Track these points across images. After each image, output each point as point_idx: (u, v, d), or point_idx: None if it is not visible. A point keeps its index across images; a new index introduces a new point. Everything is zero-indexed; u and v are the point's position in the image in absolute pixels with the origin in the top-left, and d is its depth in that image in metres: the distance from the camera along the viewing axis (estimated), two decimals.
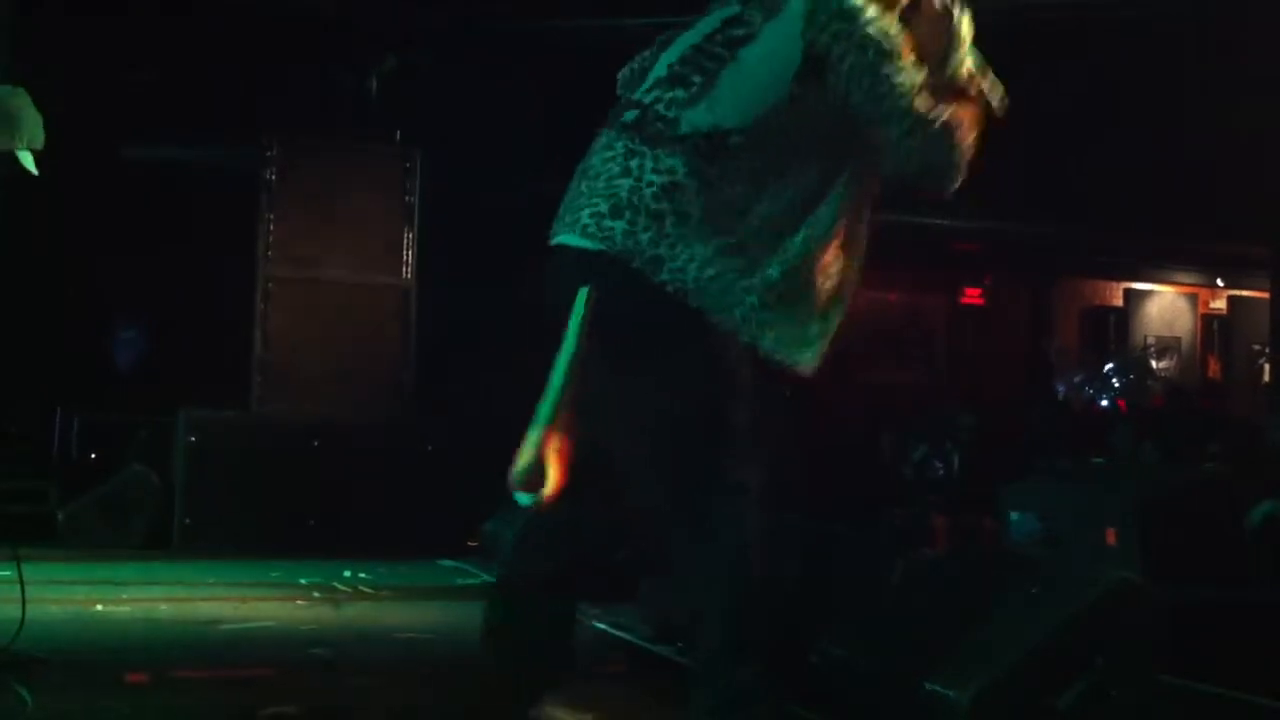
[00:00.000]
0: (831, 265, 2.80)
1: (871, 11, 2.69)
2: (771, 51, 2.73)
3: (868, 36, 2.67)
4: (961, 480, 6.94)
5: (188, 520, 7.06)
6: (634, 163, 2.72)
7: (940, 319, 10.96)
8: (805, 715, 3.48)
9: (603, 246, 2.68)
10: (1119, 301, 12.73)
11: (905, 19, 2.74)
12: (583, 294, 2.66)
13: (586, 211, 2.73)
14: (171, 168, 8.48)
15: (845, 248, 2.82)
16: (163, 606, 5.17)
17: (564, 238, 2.76)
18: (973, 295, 10.89)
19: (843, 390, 8.17)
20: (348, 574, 6.01)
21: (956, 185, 2.78)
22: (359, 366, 7.55)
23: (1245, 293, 12.84)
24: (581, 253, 2.71)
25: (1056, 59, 7.42)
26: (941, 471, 7.06)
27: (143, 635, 4.55)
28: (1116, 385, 10.00)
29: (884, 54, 2.67)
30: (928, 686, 3.27)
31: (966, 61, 2.78)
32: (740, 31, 2.77)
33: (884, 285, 9.92)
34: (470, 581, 6.13)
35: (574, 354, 2.64)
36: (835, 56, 2.68)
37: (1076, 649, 3.24)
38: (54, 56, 6.82)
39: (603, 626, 4.84)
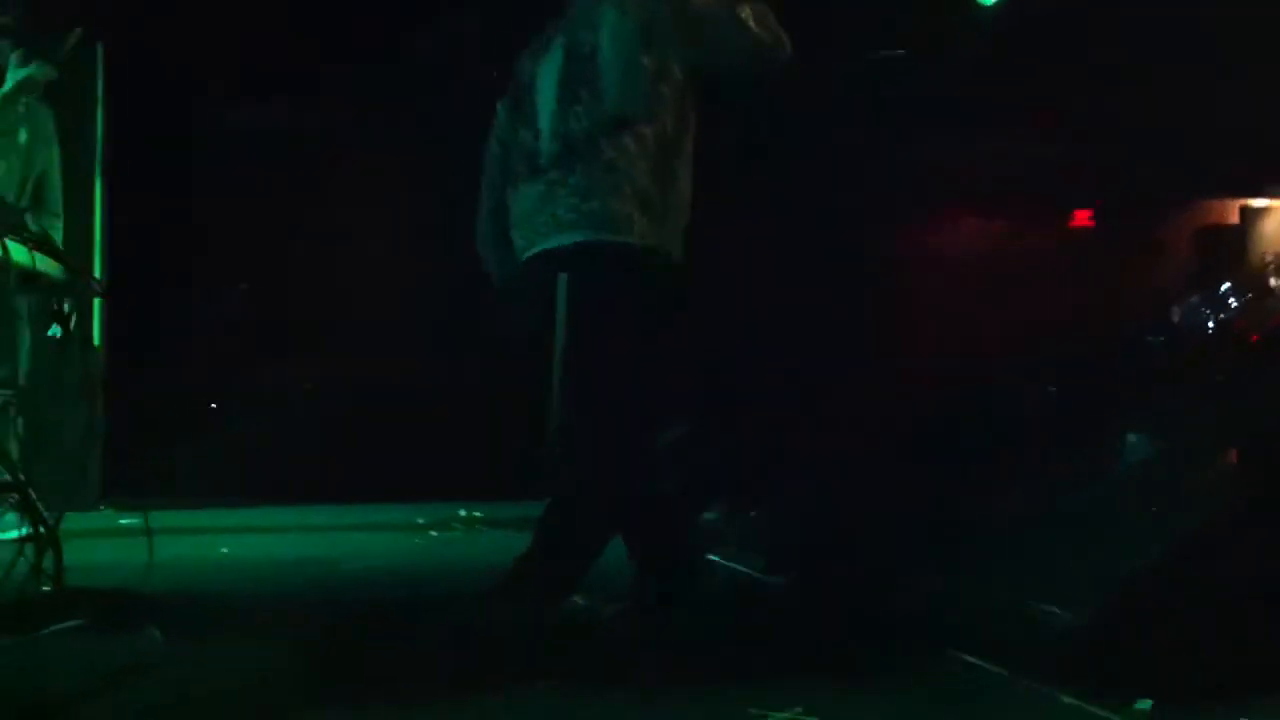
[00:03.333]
0: None
1: None
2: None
3: None
4: (1076, 406, 6.83)
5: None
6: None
7: (1049, 244, 10.72)
8: (922, 645, 3.47)
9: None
10: (1235, 219, 12.38)
11: None
12: None
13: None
14: None
15: None
16: (285, 549, 5.29)
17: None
18: (1082, 218, 10.66)
19: (949, 322, 8.05)
20: (463, 512, 6.10)
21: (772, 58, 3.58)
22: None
23: None
24: None
25: None
26: (1054, 399, 6.95)
27: (268, 577, 4.68)
28: (1234, 305, 9.74)
29: None
30: (1044, 608, 3.25)
31: None
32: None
33: (989, 212, 9.70)
34: None
35: None
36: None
37: (1192, 570, 3.19)
38: None
39: (714, 558, 4.87)
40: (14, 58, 5.12)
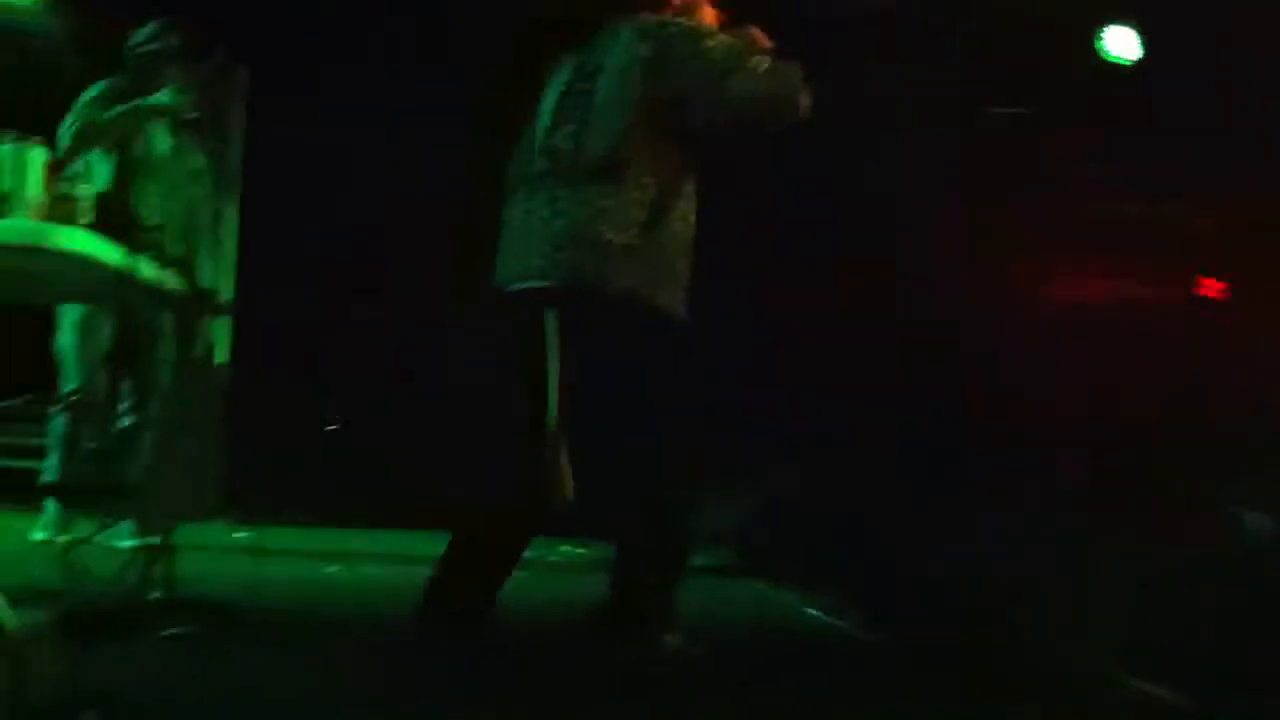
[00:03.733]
0: None
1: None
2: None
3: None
4: (1188, 484, 6.68)
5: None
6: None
7: (1172, 314, 10.31)
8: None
9: None
10: None
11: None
12: None
13: None
14: None
15: None
16: (393, 573, 5.36)
17: None
18: (1210, 286, 10.34)
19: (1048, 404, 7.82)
20: (565, 548, 6.13)
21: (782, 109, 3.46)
22: None
23: None
24: None
25: None
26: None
27: (367, 601, 4.76)
28: None
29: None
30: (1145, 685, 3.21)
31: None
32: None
33: (1104, 277, 9.36)
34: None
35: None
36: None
37: None
38: None
39: (812, 611, 4.84)
40: (167, 78, 5.27)
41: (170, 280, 4.14)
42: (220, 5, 5.57)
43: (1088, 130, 7.73)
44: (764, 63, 3.45)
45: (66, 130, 5.03)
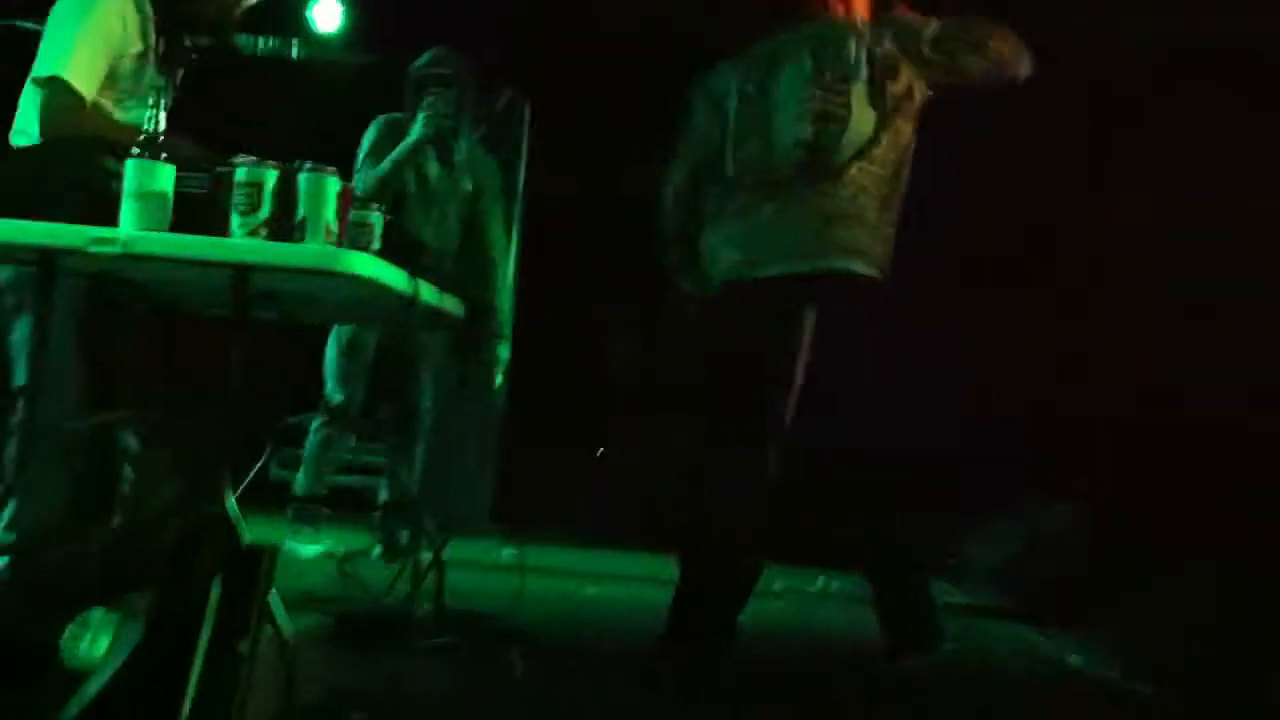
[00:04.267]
0: None
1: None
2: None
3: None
4: None
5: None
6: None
7: None
8: None
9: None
10: None
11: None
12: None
13: None
14: None
15: None
16: (649, 597, 5.43)
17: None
18: None
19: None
20: (821, 582, 6.07)
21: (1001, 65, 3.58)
22: None
23: None
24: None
25: None
26: None
27: (621, 622, 4.90)
28: None
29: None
30: None
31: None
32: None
33: None
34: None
35: None
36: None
37: None
38: None
39: (1077, 660, 4.68)
40: (425, 104, 5.43)
41: (448, 303, 4.29)
42: (502, 40, 5.76)
43: None
44: (987, 30, 3.60)
45: (362, 181, 5.24)
